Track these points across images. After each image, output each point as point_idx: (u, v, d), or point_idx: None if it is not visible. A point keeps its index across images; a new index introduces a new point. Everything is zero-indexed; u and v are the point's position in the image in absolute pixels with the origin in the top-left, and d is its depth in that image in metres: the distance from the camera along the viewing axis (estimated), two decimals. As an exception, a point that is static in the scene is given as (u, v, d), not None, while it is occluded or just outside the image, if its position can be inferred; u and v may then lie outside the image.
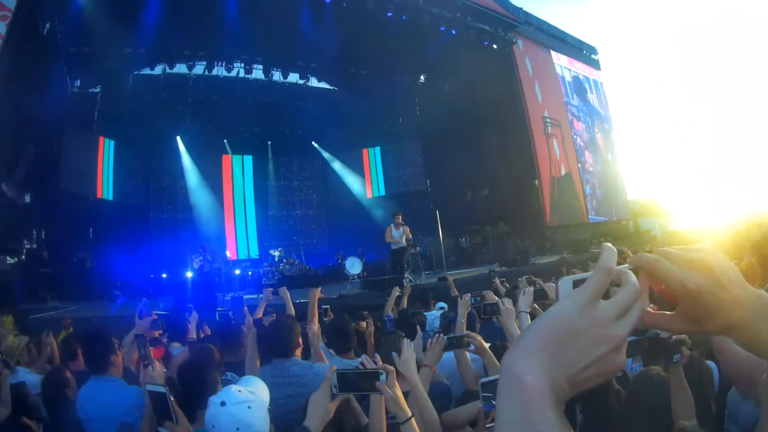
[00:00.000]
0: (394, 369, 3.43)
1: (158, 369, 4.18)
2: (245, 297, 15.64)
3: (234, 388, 3.33)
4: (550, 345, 1.12)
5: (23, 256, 22.81)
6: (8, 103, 19.32)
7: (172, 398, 3.47)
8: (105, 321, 14.28)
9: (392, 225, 19.43)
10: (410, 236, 19.55)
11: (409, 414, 3.32)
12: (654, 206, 37.75)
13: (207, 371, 4.40)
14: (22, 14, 19.67)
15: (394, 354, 4.23)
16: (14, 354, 7.43)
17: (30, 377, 6.53)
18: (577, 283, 1.20)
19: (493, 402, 3.47)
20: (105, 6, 22.34)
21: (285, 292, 8.36)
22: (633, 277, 1.21)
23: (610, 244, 1.21)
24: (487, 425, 3.53)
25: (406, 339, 4.56)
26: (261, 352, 5.94)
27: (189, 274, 23.85)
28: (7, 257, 21.16)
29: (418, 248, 24.67)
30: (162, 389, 3.41)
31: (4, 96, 19.16)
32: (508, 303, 5.56)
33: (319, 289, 7.96)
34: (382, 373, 3.26)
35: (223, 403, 3.16)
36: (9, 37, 19.17)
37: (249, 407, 3.20)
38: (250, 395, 3.29)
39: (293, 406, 4.11)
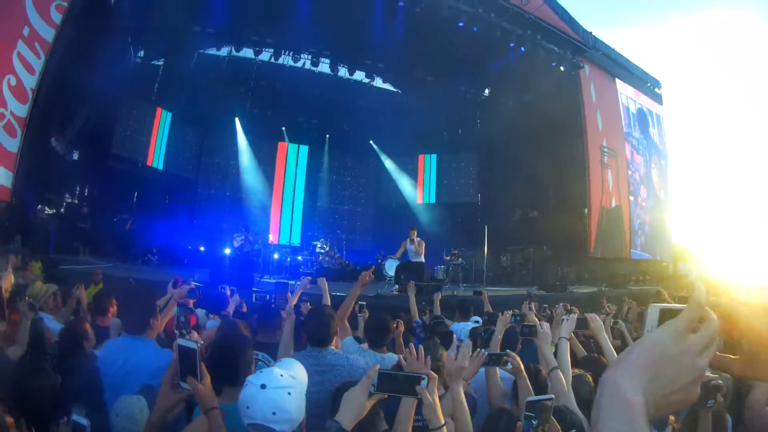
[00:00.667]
0: (436, 375, 3.44)
1: (196, 338, 4.50)
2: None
3: (276, 371, 3.32)
4: (650, 367, 1.29)
5: (62, 209, 23.48)
6: (69, 64, 19.91)
7: (201, 357, 3.46)
8: (141, 283, 14.48)
9: (408, 240, 19.49)
10: (422, 252, 19.39)
11: (443, 422, 3.33)
12: (694, 252, 37.24)
13: (244, 350, 4.46)
14: None
15: (451, 353, 4.58)
16: (40, 299, 7.60)
17: (51, 324, 6.70)
18: (664, 312, 1.41)
19: (534, 422, 3.62)
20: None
21: (323, 283, 8.38)
22: (713, 315, 1.33)
23: (702, 284, 1.37)
24: None
25: (464, 346, 4.55)
26: (295, 339, 6.08)
27: (227, 251, 24.26)
28: (46, 207, 21.79)
29: (460, 259, 25.28)
30: (193, 345, 3.39)
31: (65, 57, 19.79)
32: (546, 327, 5.61)
33: (368, 272, 8.03)
34: (424, 378, 3.25)
35: (263, 386, 3.15)
36: (75, 2, 19.89)
37: (289, 393, 3.19)
38: (291, 381, 3.29)
39: (324, 393, 4.15)
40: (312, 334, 5.51)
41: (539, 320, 7.45)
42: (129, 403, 3.87)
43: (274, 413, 3.09)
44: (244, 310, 8.51)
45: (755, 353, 1.39)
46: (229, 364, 4.18)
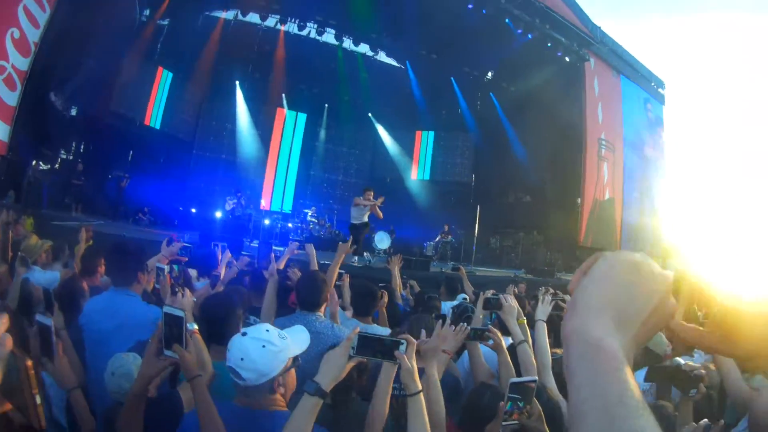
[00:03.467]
0: (415, 340, 3.44)
1: (189, 296, 4.32)
2: (274, 248, 15.65)
3: (265, 326, 3.39)
4: (613, 301, 1.18)
5: (57, 165, 23.43)
6: (73, 19, 19.75)
7: (187, 324, 3.46)
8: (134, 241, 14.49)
9: (362, 197, 18.82)
10: (380, 216, 18.88)
11: (420, 388, 3.35)
12: (684, 251, 37.09)
13: (233, 309, 4.50)
14: None
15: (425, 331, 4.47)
16: (34, 254, 7.61)
17: (40, 275, 6.85)
18: None
19: (520, 404, 3.58)
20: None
21: (311, 248, 8.48)
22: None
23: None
24: (505, 423, 3.55)
25: (441, 326, 4.55)
26: (280, 302, 6.18)
27: (218, 214, 24.20)
28: (41, 163, 21.67)
29: (450, 237, 25.61)
30: (180, 313, 3.38)
31: (70, 12, 19.63)
32: (510, 300, 5.58)
33: (349, 243, 7.97)
34: (403, 343, 3.31)
35: (244, 333, 3.27)
36: None
37: (263, 346, 3.23)
38: (273, 338, 3.31)
39: (308, 360, 4.01)
40: (303, 298, 5.54)
41: (527, 302, 7.89)
42: (125, 361, 3.84)
43: (242, 359, 3.18)
44: (238, 267, 8.40)
45: (728, 327, 1.33)
46: (217, 323, 4.28)
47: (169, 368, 3.52)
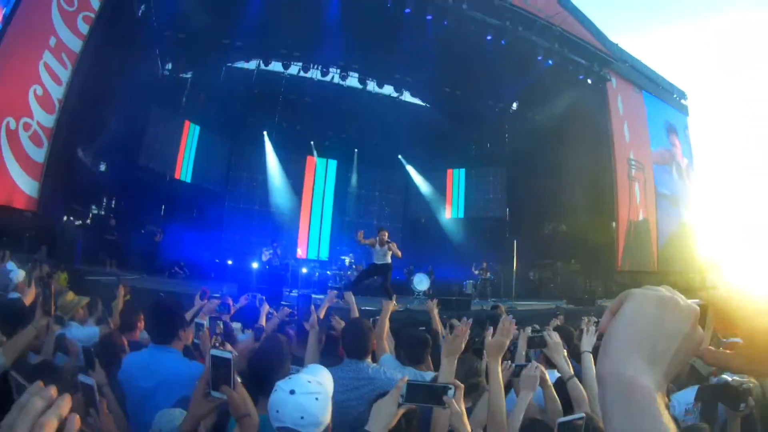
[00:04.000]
0: (462, 385, 3.44)
1: (229, 349, 4.45)
2: (313, 296, 15.64)
3: (304, 377, 3.39)
4: (643, 339, 1.20)
5: (89, 220, 23.74)
6: (96, 75, 20.06)
7: (234, 366, 3.45)
8: (171, 295, 14.45)
9: (376, 240, 18.03)
10: (399, 255, 18.19)
11: (469, 431, 3.36)
12: (721, 263, 36.74)
13: (281, 361, 4.59)
14: None
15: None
16: (70, 311, 7.62)
17: (77, 331, 6.84)
18: None
19: None
20: (204, -5, 22.78)
21: (350, 297, 8.56)
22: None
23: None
24: None
25: (505, 320, 4.67)
26: (329, 351, 6.41)
27: (255, 265, 24.02)
28: (72, 218, 22.07)
29: (489, 274, 25.41)
30: (228, 354, 3.38)
31: (93, 68, 19.93)
32: (555, 337, 5.58)
33: (393, 302, 8.36)
34: (451, 388, 3.29)
35: (292, 392, 3.22)
36: (102, 14, 20.18)
37: (317, 398, 3.25)
38: (318, 387, 3.34)
39: (363, 406, 4.15)
40: (350, 346, 5.51)
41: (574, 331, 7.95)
42: (172, 417, 3.81)
43: (302, 417, 3.16)
44: (275, 318, 8.37)
45: (756, 349, 1.25)
46: (266, 376, 4.21)
47: (214, 415, 3.65)
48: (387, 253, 17.75)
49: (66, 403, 1.30)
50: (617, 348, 1.20)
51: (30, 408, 1.27)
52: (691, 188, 35.13)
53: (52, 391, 1.30)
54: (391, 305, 7.74)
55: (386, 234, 17.93)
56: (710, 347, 1.39)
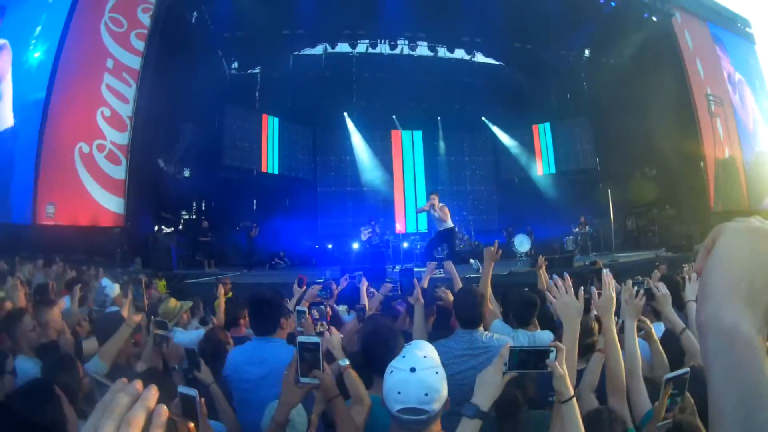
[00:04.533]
0: (564, 347, 3.29)
1: (335, 335, 4.40)
2: (415, 270, 15.61)
3: (418, 353, 3.33)
4: (740, 277, 1.11)
5: (180, 226, 24.32)
6: (163, 86, 20.62)
7: (339, 361, 3.90)
8: (271, 286, 14.49)
9: (430, 206, 18.22)
10: (446, 218, 18.28)
11: (572, 393, 3.24)
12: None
13: (391, 340, 4.47)
14: (164, 6, 21.12)
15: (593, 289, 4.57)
16: (174, 317, 7.70)
17: (182, 336, 6.93)
18: None
19: (678, 398, 3.55)
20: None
21: (450, 266, 8.47)
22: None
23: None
24: (659, 424, 3.52)
25: (606, 275, 4.58)
26: (438, 324, 6.46)
27: (356, 246, 24.38)
28: (163, 227, 22.51)
29: (587, 227, 25.33)
30: (315, 339, 3.45)
31: (158, 81, 20.52)
32: (663, 288, 5.38)
33: (495, 248, 7.69)
34: (552, 351, 3.21)
35: (413, 369, 3.15)
36: (155, 28, 20.73)
37: (437, 372, 3.21)
38: (433, 360, 3.31)
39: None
40: (462, 316, 5.42)
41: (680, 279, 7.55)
42: None
43: (426, 394, 3.09)
44: (379, 295, 8.44)
45: None
46: (377, 356, 4.21)
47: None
48: (445, 218, 17.83)
49: (153, 394, 1.24)
50: (714, 290, 1.14)
51: (115, 405, 1.21)
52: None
53: (138, 385, 1.24)
54: (492, 254, 7.52)
55: (436, 198, 17.96)
56: None
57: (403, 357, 3.29)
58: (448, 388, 3.22)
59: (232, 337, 6.29)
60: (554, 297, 4.07)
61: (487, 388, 3.06)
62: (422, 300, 6.02)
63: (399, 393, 3.09)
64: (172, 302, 7.89)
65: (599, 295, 4.33)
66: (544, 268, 9.72)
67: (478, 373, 3.23)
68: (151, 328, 5.75)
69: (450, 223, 18.36)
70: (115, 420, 1.17)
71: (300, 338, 3.45)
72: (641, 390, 4.12)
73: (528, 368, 3.21)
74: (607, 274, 4.48)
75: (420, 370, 3.12)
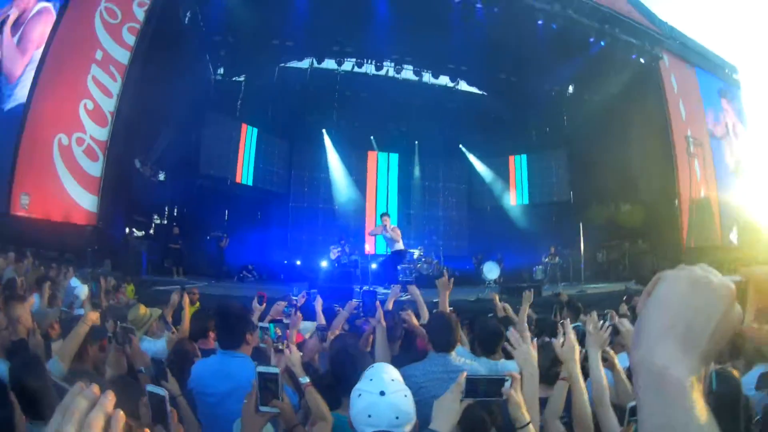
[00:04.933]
0: (518, 376, 3.48)
1: (295, 353, 4.46)
2: (381, 291, 15.75)
3: (385, 376, 3.37)
4: (675, 323, 1.13)
5: (151, 231, 23.97)
6: (147, 85, 20.27)
7: (300, 378, 4.04)
8: (240, 300, 14.41)
9: (382, 227, 18.57)
10: (398, 240, 18.68)
11: (528, 419, 3.37)
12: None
13: (362, 360, 4.50)
14: (160, 2, 20.88)
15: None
16: (141, 324, 7.52)
17: (154, 345, 7.16)
18: None
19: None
20: (249, -3, 22.96)
21: (414, 290, 8.55)
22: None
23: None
24: None
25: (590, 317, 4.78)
26: (406, 347, 6.66)
27: (324, 264, 24.35)
28: (134, 230, 22.25)
29: (557, 258, 25.33)
30: (275, 370, 3.53)
31: (143, 79, 20.25)
32: (627, 324, 5.56)
33: (446, 278, 7.69)
34: (508, 380, 3.34)
35: (382, 393, 3.19)
36: (148, 24, 20.51)
37: (405, 396, 3.26)
38: (401, 384, 3.36)
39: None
40: (437, 340, 5.43)
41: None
42: None
43: (397, 417, 3.14)
44: (344, 312, 8.17)
45: None
46: (349, 376, 4.16)
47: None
48: (397, 239, 18.14)
49: (111, 399, 1.28)
50: (648, 333, 1.16)
51: (75, 408, 1.25)
52: (749, 160, 34.26)
53: (95, 389, 1.29)
54: (445, 283, 7.49)
55: (388, 219, 18.27)
56: (754, 325, 1.31)
57: (371, 380, 3.31)
58: (426, 411, 3.27)
59: (200, 349, 6.32)
60: (514, 347, 4.16)
61: (446, 414, 3.10)
62: (384, 323, 6.04)
63: (369, 416, 3.12)
64: (142, 309, 7.83)
65: (562, 344, 4.41)
66: (497, 298, 10.12)
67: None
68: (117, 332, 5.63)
69: (402, 245, 18.71)
70: (76, 423, 1.22)
71: (259, 368, 3.50)
72: (610, 416, 4.17)
73: (485, 396, 3.31)
74: (566, 325, 4.58)
75: (389, 393, 3.16)
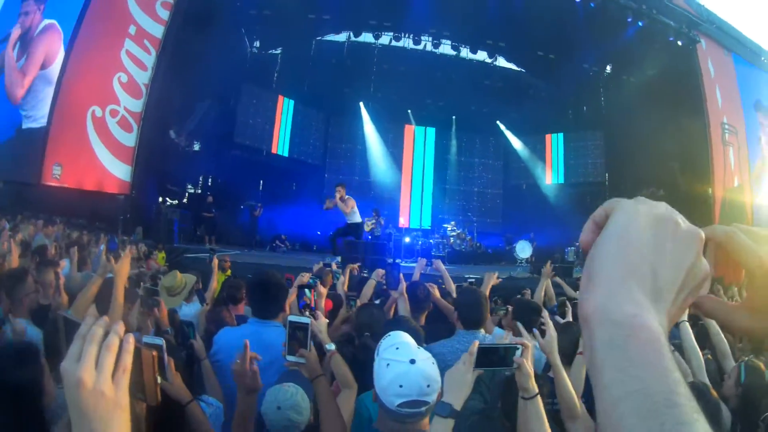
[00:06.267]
0: (530, 344, 3.39)
1: (322, 320, 4.30)
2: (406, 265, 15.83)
3: (411, 343, 3.33)
4: (639, 264, 0.85)
5: (185, 200, 24.09)
6: (182, 58, 20.58)
7: (326, 345, 3.93)
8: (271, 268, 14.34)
9: (336, 198, 17.75)
10: (347, 212, 17.99)
11: (536, 390, 3.28)
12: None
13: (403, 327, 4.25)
14: None
15: (536, 331, 4.25)
16: (178, 291, 7.75)
17: (187, 309, 7.34)
18: None
19: None
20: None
21: (440, 265, 8.55)
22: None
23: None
24: None
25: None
26: (432, 319, 6.55)
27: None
28: (167, 198, 22.50)
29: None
30: (306, 320, 3.62)
31: (178, 52, 20.57)
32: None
33: (496, 274, 7.81)
34: (519, 348, 3.30)
35: (412, 361, 3.10)
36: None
37: (432, 362, 3.19)
38: (426, 351, 3.29)
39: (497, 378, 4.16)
40: (466, 317, 5.37)
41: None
42: (289, 393, 3.77)
43: (429, 385, 3.07)
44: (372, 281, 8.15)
45: (760, 297, 0.88)
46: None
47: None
48: (346, 211, 17.68)
49: (122, 326, 1.45)
50: (607, 274, 0.85)
51: (93, 334, 1.42)
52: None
53: (106, 318, 1.46)
54: (493, 277, 7.56)
55: (342, 189, 17.64)
56: (711, 294, 1.04)
57: (397, 349, 3.22)
58: None
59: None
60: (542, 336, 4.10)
61: (459, 386, 3.02)
62: (406, 295, 6.16)
63: (401, 386, 3.03)
64: (179, 276, 7.87)
65: (543, 334, 4.24)
66: (548, 277, 9.25)
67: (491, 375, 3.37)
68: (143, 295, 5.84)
69: (357, 218, 18.28)
70: (96, 345, 1.40)
71: (291, 318, 3.61)
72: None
73: (496, 365, 3.32)
74: (546, 315, 4.50)
75: (420, 361, 3.08)
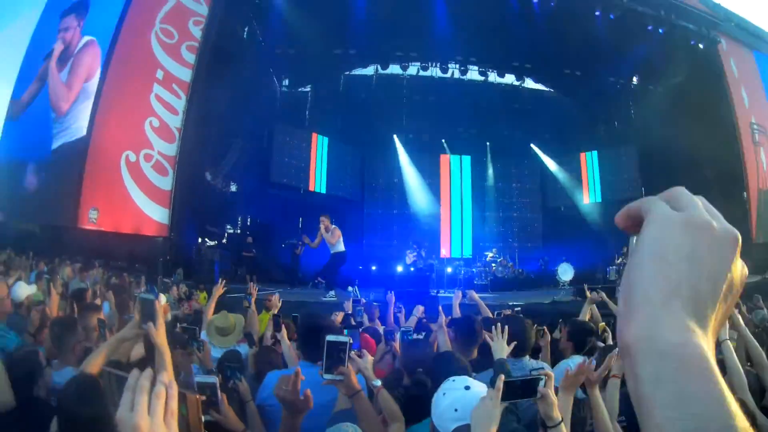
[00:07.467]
0: (552, 374, 3.50)
1: (368, 357, 4.44)
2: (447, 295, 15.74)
3: (465, 377, 3.53)
4: (679, 280, 0.79)
5: (224, 240, 24.05)
6: (213, 100, 20.80)
7: (372, 382, 4.06)
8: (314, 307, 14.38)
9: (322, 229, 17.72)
10: (332, 242, 17.97)
11: (560, 419, 3.36)
12: None
13: (453, 369, 4.38)
14: (216, 20, 21.21)
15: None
16: (230, 331, 7.74)
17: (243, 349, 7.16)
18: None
19: None
20: (308, 8, 23.24)
21: (473, 294, 8.87)
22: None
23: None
24: None
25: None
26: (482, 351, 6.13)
27: (400, 269, 24.33)
28: (207, 240, 22.51)
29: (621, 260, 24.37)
30: (345, 339, 3.74)
31: (208, 94, 20.69)
32: None
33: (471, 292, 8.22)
34: (542, 378, 3.38)
35: (467, 387, 3.31)
36: (206, 41, 20.90)
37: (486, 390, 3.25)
38: (480, 381, 3.45)
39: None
40: (515, 344, 5.35)
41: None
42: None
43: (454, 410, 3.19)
44: (414, 317, 8.48)
45: None
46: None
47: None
48: (332, 242, 17.62)
49: (167, 376, 1.68)
50: (647, 299, 0.79)
51: (141, 386, 1.64)
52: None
53: (149, 372, 1.67)
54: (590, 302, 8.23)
55: (326, 220, 17.65)
56: None
57: (453, 381, 3.39)
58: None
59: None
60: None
61: (487, 423, 3.00)
62: (445, 328, 6.22)
63: (456, 410, 3.14)
64: (230, 317, 7.88)
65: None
66: (593, 302, 9.32)
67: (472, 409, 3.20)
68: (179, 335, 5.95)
69: (341, 246, 18.06)
70: (146, 395, 1.62)
71: (329, 337, 3.69)
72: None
73: (522, 397, 3.35)
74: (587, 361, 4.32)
75: (473, 387, 3.26)
